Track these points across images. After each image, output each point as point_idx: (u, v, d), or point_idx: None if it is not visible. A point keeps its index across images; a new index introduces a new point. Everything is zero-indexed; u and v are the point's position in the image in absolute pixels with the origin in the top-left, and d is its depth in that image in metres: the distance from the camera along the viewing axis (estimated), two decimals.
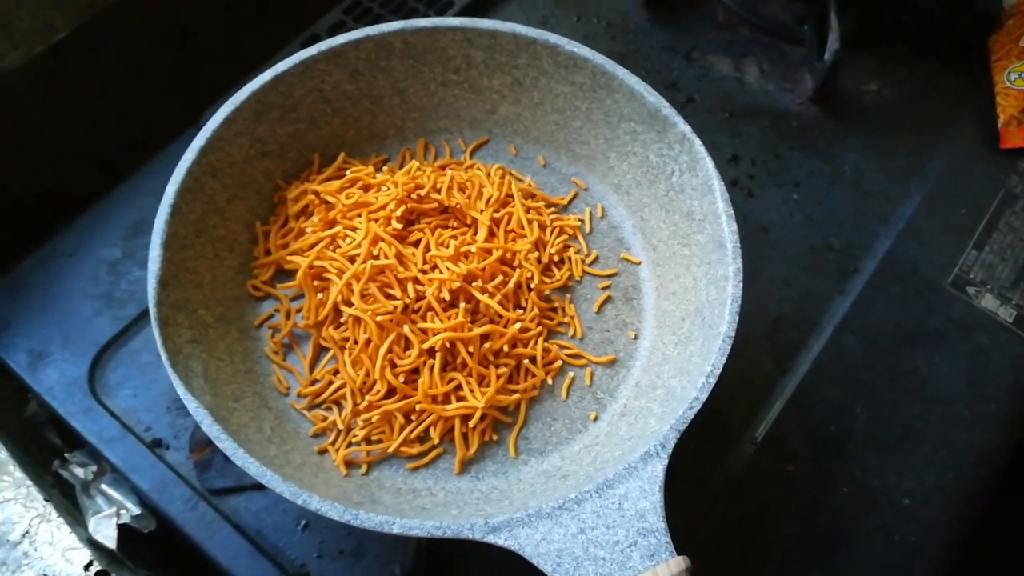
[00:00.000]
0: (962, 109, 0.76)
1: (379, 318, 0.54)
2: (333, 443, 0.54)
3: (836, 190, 0.72)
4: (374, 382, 0.54)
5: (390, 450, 0.54)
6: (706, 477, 0.59)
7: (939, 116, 0.76)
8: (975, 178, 0.72)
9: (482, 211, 0.59)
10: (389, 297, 0.55)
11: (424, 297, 0.55)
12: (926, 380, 0.64)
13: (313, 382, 0.56)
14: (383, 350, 0.54)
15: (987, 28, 0.78)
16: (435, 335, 0.54)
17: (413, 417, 0.55)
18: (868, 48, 0.79)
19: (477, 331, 0.55)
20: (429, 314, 0.55)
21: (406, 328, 0.54)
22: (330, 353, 0.57)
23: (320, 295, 0.56)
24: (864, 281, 0.67)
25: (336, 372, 0.56)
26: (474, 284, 0.56)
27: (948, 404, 0.63)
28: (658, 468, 0.46)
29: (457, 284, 0.55)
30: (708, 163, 0.55)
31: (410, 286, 0.55)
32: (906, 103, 0.77)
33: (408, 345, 0.55)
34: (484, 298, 0.56)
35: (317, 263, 0.57)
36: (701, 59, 0.79)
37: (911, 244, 0.69)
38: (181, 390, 0.48)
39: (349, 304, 0.55)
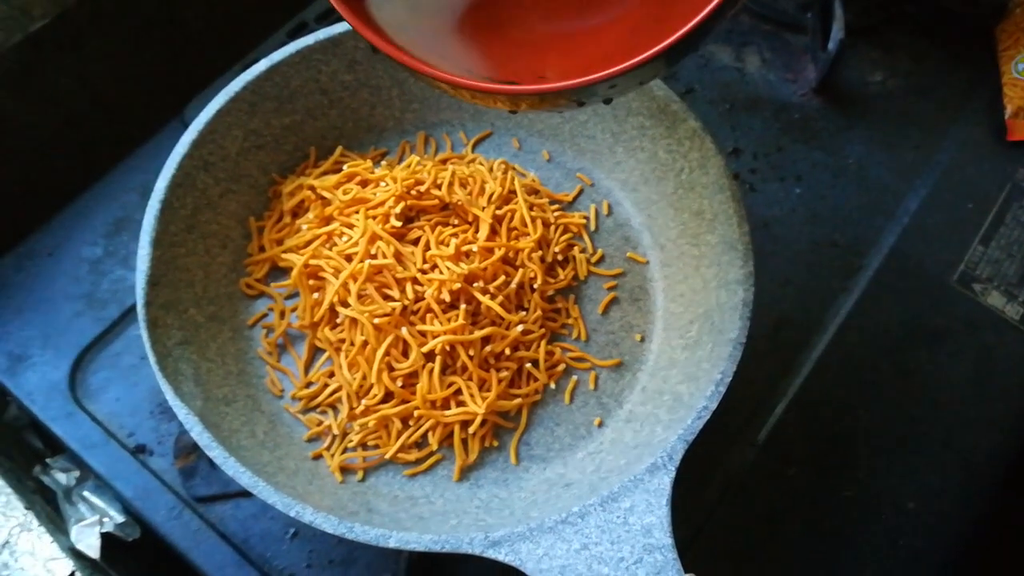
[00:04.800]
0: (969, 100, 0.75)
1: (376, 320, 0.52)
2: (328, 448, 0.53)
3: (840, 184, 0.70)
4: (371, 386, 0.53)
5: (387, 456, 0.52)
6: (707, 481, 0.58)
7: (945, 108, 0.75)
8: (982, 171, 0.71)
9: (484, 208, 0.57)
10: (387, 298, 0.53)
11: (423, 298, 0.53)
12: (931, 380, 0.63)
13: (308, 384, 0.54)
14: (380, 353, 0.52)
15: (994, 17, 0.77)
16: (434, 338, 0.52)
17: (411, 422, 0.53)
18: (872, 38, 0.78)
19: (478, 334, 0.53)
20: (428, 316, 0.53)
21: (404, 331, 0.52)
22: (326, 355, 0.55)
23: (316, 295, 0.55)
24: (868, 278, 0.66)
25: (332, 375, 0.54)
26: (475, 285, 0.54)
27: (953, 404, 0.62)
28: (665, 481, 0.45)
29: (458, 285, 0.53)
30: (719, 161, 0.53)
31: (409, 287, 0.53)
32: (911, 94, 0.75)
33: (406, 348, 0.53)
34: (486, 299, 0.54)
35: (313, 262, 0.55)
36: (701, 48, 0.77)
37: (916, 240, 0.68)
38: (170, 395, 0.47)
39: (346, 305, 0.53)
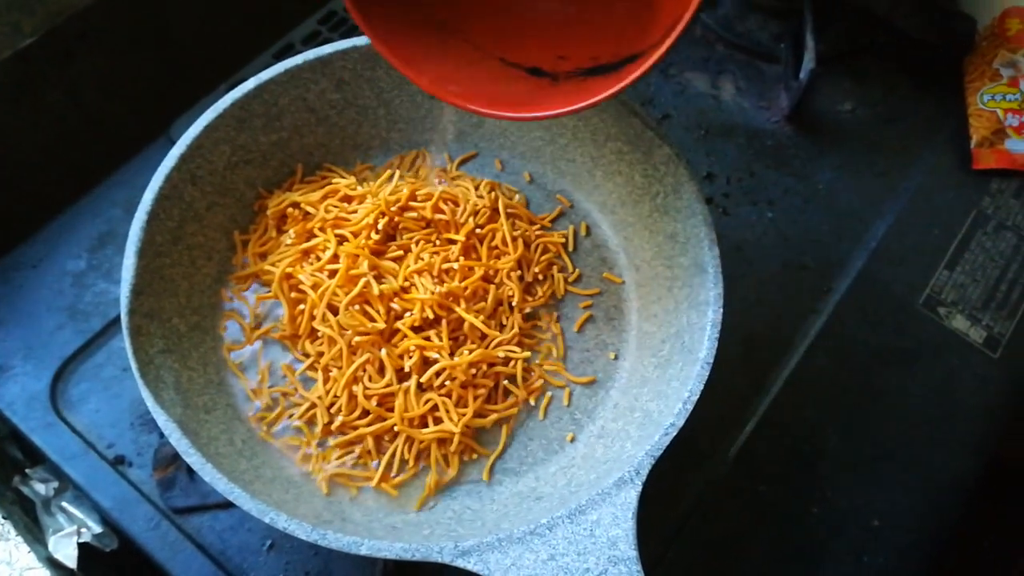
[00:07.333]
0: (935, 130, 0.77)
1: (356, 339, 0.53)
2: (308, 461, 0.53)
3: (810, 209, 0.72)
4: (349, 401, 0.53)
5: (372, 485, 0.53)
6: (677, 497, 0.59)
7: (913, 136, 0.77)
8: (948, 198, 0.73)
9: (463, 225, 0.58)
10: (367, 314, 0.54)
11: (402, 316, 0.54)
12: (897, 400, 0.64)
13: (284, 394, 0.55)
14: (352, 370, 0.53)
15: (962, 50, 0.79)
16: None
17: (387, 437, 0.54)
18: (844, 68, 0.80)
19: (461, 358, 0.54)
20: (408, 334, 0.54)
21: (383, 352, 0.53)
22: (301, 367, 0.56)
23: (302, 306, 0.55)
24: (837, 300, 0.68)
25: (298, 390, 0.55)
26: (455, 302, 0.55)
27: (918, 425, 0.63)
28: (632, 495, 0.46)
29: (437, 303, 0.54)
30: (692, 186, 0.55)
31: (381, 309, 0.54)
32: (880, 123, 0.77)
33: (382, 365, 0.54)
34: (469, 316, 0.55)
35: (291, 270, 0.56)
36: (678, 75, 0.79)
37: (884, 264, 0.69)
38: (150, 402, 0.47)
39: (327, 320, 0.54)
